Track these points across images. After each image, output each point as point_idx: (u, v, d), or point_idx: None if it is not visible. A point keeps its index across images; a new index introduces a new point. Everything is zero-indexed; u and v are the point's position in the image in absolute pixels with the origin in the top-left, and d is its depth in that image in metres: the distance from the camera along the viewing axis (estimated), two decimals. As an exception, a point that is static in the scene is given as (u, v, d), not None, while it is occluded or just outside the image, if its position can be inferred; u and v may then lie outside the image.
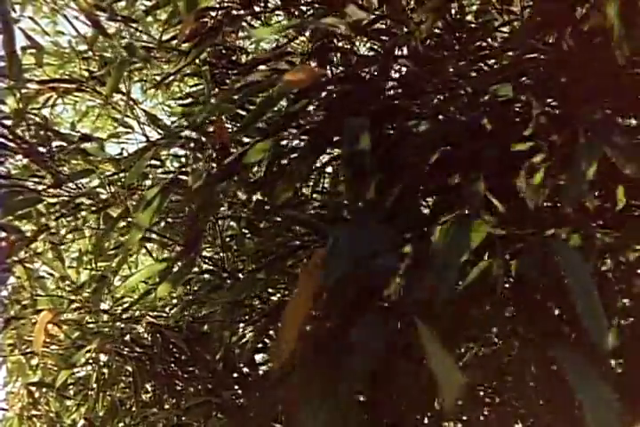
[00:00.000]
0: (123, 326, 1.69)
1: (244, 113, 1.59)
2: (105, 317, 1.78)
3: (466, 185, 0.78)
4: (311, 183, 1.43)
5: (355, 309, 0.71)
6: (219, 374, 1.60)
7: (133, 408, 1.78)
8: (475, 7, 1.38)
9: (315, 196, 1.52)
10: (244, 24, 1.61)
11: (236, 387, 1.61)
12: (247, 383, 1.59)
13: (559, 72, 0.87)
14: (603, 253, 0.86)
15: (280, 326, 0.71)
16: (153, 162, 1.70)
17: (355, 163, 0.77)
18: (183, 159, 1.81)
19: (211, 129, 1.37)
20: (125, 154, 1.88)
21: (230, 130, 1.59)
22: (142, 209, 1.10)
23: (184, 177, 1.26)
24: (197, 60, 1.55)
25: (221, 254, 1.66)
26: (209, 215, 1.19)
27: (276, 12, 1.70)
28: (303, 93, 0.93)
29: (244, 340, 1.62)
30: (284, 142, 1.19)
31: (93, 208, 1.65)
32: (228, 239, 1.70)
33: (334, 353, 0.70)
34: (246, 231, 1.57)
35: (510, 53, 1.01)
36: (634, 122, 0.96)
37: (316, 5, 1.37)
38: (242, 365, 1.59)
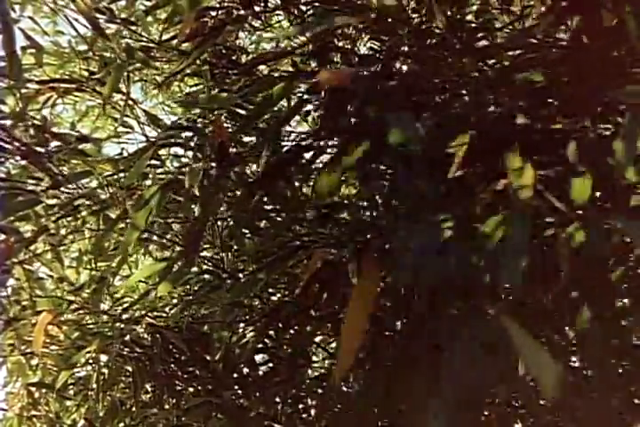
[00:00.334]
0: (122, 326, 1.69)
1: (243, 113, 1.59)
2: (105, 317, 1.78)
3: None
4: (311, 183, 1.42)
5: (436, 306, 0.70)
6: (219, 374, 1.60)
7: (133, 409, 1.77)
8: (475, 7, 1.38)
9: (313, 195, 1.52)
10: (244, 24, 1.61)
11: (236, 387, 1.61)
12: (247, 384, 1.59)
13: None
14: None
15: (340, 340, 0.70)
16: (153, 162, 1.70)
17: (404, 158, 0.77)
18: (183, 159, 1.81)
19: (210, 129, 1.37)
20: (125, 154, 1.88)
21: (230, 129, 1.59)
22: (139, 208, 1.10)
23: (183, 177, 1.26)
24: (197, 60, 1.55)
25: (221, 254, 1.66)
26: (208, 216, 1.19)
27: (276, 12, 1.70)
28: (339, 92, 0.92)
29: (244, 340, 1.62)
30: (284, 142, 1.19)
31: (93, 209, 1.65)
32: (227, 239, 1.70)
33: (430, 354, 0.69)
34: (246, 231, 1.57)
35: (511, 53, 1.01)
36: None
37: (316, 4, 1.36)
38: (242, 365, 1.59)
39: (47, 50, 2.81)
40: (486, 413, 1.20)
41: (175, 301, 1.84)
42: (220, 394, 1.56)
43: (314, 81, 0.85)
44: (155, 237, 1.77)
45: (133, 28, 1.72)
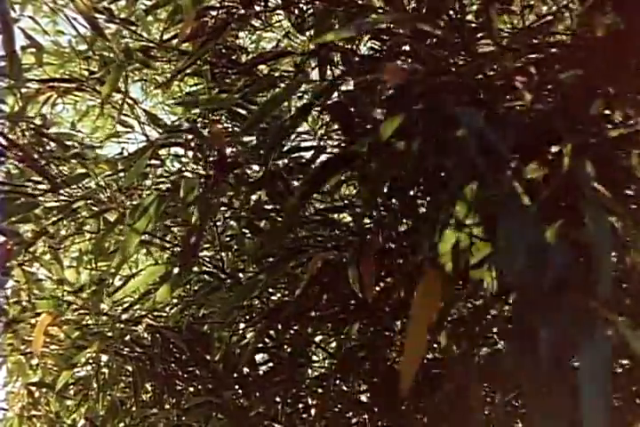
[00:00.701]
0: (123, 326, 1.69)
1: (243, 112, 1.59)
2: (104, 317, 1.78)
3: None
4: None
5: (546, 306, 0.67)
6: (219, 374, 1.60)
7: (133, 408, 1.77)
8: (475, 7, 1.38)
9: (315, 196, 1.52)
10: (246, 23, 1.61)
11: (236, 387, 1.61)
12: (247, 383, 1.58)
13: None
14: None
15: (402, 358, 0.69)
16: (153, 162, 1.70)
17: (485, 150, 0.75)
18: (183, 159, 1.80)
19: (209, 130, 1.37)
20: (125, 154, 1.88)
21: (230, 130, 1.59)
22: (139, 216, 1.10)
23: (182, 181, 1.26)
24: (198, 60, 1.55)
25: (222, 254, 1.66)
26: (206, 224, 1.19)
27: (276, 12, 1.70)
28: (401, 89, 0.90)
29: (244, 340, 1.62)
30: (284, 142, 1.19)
31: (92, 210, 1.65)
32: (227, 239, 1.70)
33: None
34: (246, 231, 1.57)
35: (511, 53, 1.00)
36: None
37: (317, 4, 1.36)
38: (242, 365, 1.59)
39: (47, 49, 2.80)
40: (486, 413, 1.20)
41: (175, 301, 1.84)
42: (220, 394, 1.56)
43: (385, 76, 0.83)
44: (154, 239, 1.77)
45: (133, 27, 1.72)
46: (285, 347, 1.56)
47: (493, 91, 0.93)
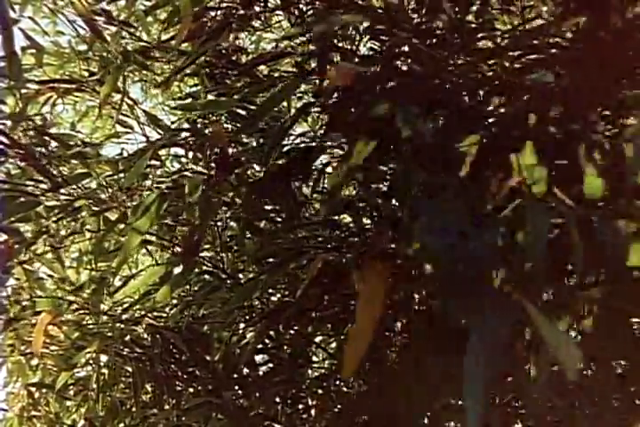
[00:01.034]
0: (123, 326, 1.69)
1: (243, 113, 1.59)
2: (104, 317, 1.78)
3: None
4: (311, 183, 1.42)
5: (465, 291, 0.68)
6: (219, 374, 1.60)
7: (133, 409, 1.77)
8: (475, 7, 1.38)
9: (314, 195, 1.52)
10: (245, 24, 1.61)
11: (236, 387, 1.60)
12: (247, 384, 1.58)
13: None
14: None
15: (347, 344, 0.70)
16: (153, 162, 1.70)
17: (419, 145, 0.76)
18: (183, 159, 1.80)
19: (210, 130, 1.37)
20: (125, 154, 1.88)
21: (230, 130, 1.59)
22: (140, 215, 1.10)
23: (183, 181, 1.26)
24: (197, 60, 1.55)
25: (222, 255, 1.66)
26: (207, 224, 1.19)
27: (276, 12, 1.70)
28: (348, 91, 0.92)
29: (244, 341, 1.62)
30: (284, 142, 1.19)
31: (93, 210, 1.65)
32: (227, 239, 1.70)
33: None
34: (246, 231, 1.57)
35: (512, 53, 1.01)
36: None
37: (317, 4, 1.36)
38: (242, 365, 1.59)
39: (47, 50, 2.80)
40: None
41: (175, 301, 1.84)
42: (220, 394, 1.56)
43: (329, 77, 0.84)
44: (154, 238, 1.77)
45: (132, 29, 1.72)
46: (285, 347, 1.56)
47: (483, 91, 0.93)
